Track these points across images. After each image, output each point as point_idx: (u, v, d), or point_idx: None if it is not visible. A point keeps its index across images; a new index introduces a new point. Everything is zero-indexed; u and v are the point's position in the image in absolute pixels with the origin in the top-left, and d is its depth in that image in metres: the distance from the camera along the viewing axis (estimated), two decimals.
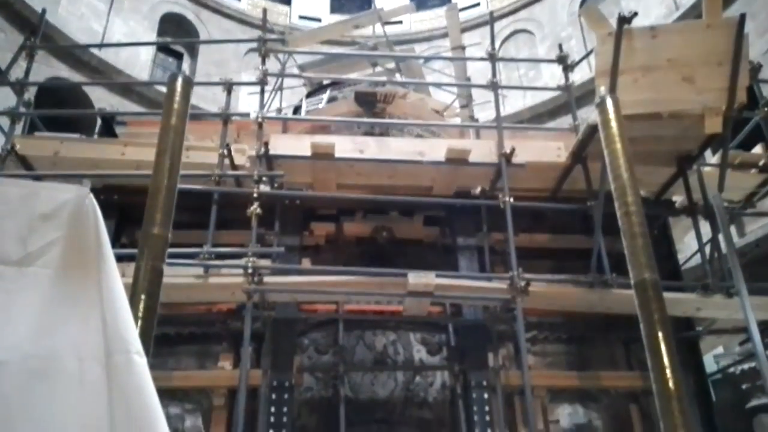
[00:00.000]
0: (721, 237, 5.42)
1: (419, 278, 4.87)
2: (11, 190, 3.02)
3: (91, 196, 2.98)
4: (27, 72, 5.96)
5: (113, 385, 2.76)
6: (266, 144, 5.27)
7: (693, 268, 6.87)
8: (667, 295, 4.12)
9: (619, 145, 4.17)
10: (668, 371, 3.67)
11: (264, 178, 5.15)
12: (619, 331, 5.89)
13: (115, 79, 17.71)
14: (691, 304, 5.34)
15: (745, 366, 8.46)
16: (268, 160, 5.33)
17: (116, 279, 2.98)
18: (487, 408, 5.43)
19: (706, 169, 5.75)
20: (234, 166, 5.36)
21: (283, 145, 5.41)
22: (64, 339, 2.89)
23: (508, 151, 5.36)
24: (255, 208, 4.90)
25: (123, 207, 5.58)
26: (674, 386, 3.65)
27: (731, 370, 8.60)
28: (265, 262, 4.98)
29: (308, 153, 5.29)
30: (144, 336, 3.07)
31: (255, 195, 4.98)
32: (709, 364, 7.57)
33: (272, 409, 5.10)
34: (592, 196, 5.35)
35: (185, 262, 4.77)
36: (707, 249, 5.57)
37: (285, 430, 5.06)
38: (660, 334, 3.78)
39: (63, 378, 2.81)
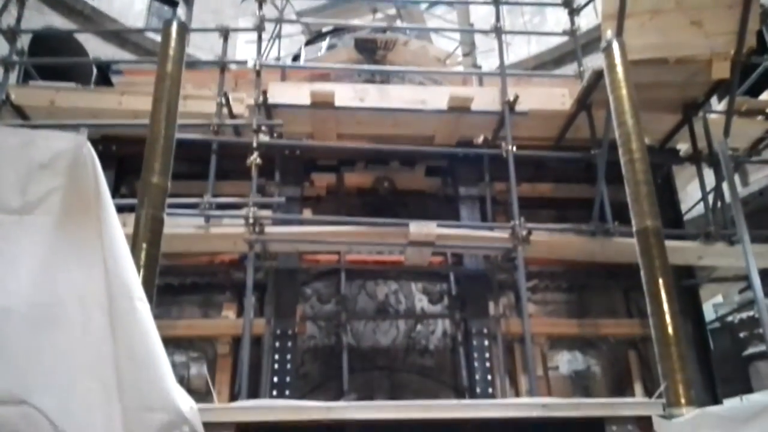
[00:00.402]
0: (724, 185, 5.38)
1: (420, 228, 4.87)
2: (7, 138, 2.98)
3: (89, 144, 2.94)
4: (18, 19, 5.80)
5: (117, 330, 2.79)
6: (264, 92, 5.17)
7: (695, 218, 6.85)
8: (668, 243, 4.12)
9: (624, 91, 4.09)
10: (668, 317, 3.71)
11: (263, 128, 5.08)
12: (619, 279, 5.93)
13: (108, 27, 17.33)
14: (692, 252, 5.35)
15: (744, 315, 8.57)
16: (266, 108, 5.24)
17: (117, 227, 2.97)
18: (487, 355, 5.51)
19: (712, 116, 5.66)
20: (232, 116, 5.28)
21: (282, 93, 5.32)
22: (67, 286, 2.90)
23: (511, 98, 5.27)
24: (255, 158, 4.84)
25: (122, 158, 5.54)
26: (673, 332, 3.69)
27: (730, 319, 8.72)
28: (266, 213, 4.96)
29: (307, 102, 5.20)
30: (146, 284, 3.09)
31: (254, 145, 4.92)
32: (709, 313, 7.65)
33: (276, 357, 5.18)
34: (596, 145, 5.28)
35: (186, 212, 4.76)
36: (710, 198, 5.54)
37: (289, 377, 5.16)
38: (660, 281, 3.80)
39: (67, 325, 2.83)
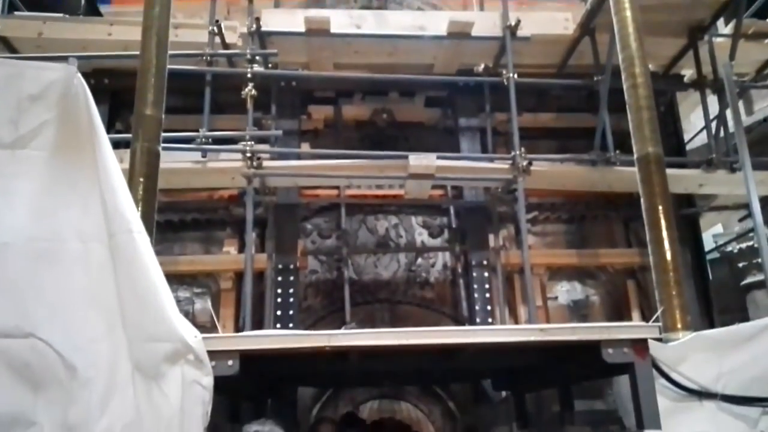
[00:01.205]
0: (728, 113, 5.28)
1: (420, 160, 4.82)
2: None
3: (79, 75, 2.86)
4: None
5: (118, 264, 2.80)
6: (258, 20, 4.99)
7: (697, 148, 6.77)
8: (669, 171, 4.09)
9: (628, 13, 3.96)
10: (666, 244, 3.73)
11: (257, 58, 4.94)
12: (619, 209, 5.94)
13: None
14: (693, 180, 5.32)
15: (743, 245, 8.61)
16: (260, 37, 5.07)
17: (112, 160, 2.93)
18: (487, 286, 5.58)
19: (718, 40, 5.49)
20: (225, 45, 5.11)
21: (276, 20, 5.13)
22: (65, 221, 2.89)
23: (513, 23, 5.10)
24: (250, 90, 4.73)
25: (115, 92, 5.42)
26: (671, 258, 3.72)
27: (729, 249, 8.75)
28: (263, 147, 4.90)
29: (302, 29, 5.03)
30: (146, 218, 3.07)
31: (249, 75, 4.80)
32: (708, 245, 7.68)
33: (278, 291, 5.25)
34: (599, 71, 5.16)
35: (182, 146, 4.69)
36: (713, 125, 5.45)
37: (292, 310, 5.24)
38: (660, 208, 3.80)
39: (68, 260, 2.84)
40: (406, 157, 4.82)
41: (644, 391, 2.77)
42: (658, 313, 3.29)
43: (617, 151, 5.07)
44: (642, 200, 3.87)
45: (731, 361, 3.06)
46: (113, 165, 2.90)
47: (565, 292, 5.96)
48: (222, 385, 2.73)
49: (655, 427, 2.72)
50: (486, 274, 5.59)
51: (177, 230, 5.50)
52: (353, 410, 6.05)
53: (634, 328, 2.96)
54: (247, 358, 2.78)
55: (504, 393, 4.93)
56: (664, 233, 3.74)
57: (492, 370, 4.47)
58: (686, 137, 6.67)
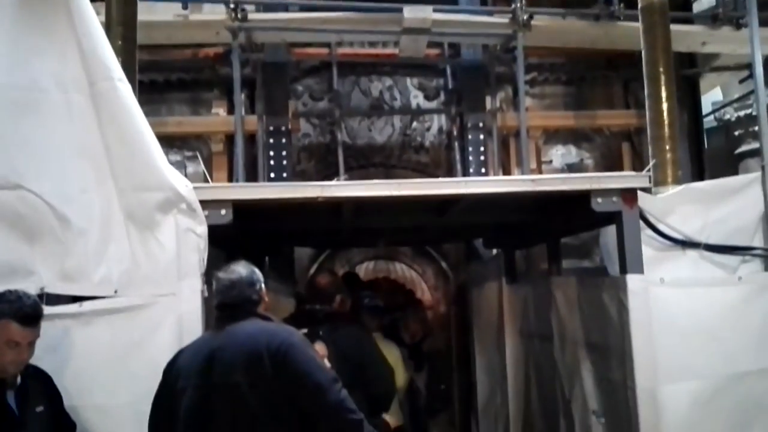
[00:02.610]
0: None
1: (415, 13, 4.57)
2: None
3: None
4: None
5: (101, 111, 2.72)
6: None
7: (703, 11, 6.45)
8: (673, 27, 3.93)
9: None
10: (664, 98, 3.66)
11: None
12: (619, 70, 5.78)
13: None
14: (697, 37, 5.13)
15: (741, 113, 8.51)
16: None
17: (87, 6, 2.77)
18: (482, 149, 5.56)
19: None
20: None
21: None
22: (42, 70, 2.78)
23: None
24: None
25: None
26: (668, 113, 3.66)
27: (726, 117, 8.66)
28: None
29: None
30: (127, 69, 2.95)
31: None
32: (706, 109, 7.57)
33: (271, 154, 5.21)
34: None
35: None
36: None
37: (285, 173, 5.23)
38: (661, 62, 3.69)
39: (49, 109, 2.76)
40: (401, 10, 4.56)
41: (630, 238, 2.83)
42: (650, 165, 3.28)
43: (621, 5, 4.82)
44: (643, 53, 3.75)
45: (717, 213, 3.12)
46: (89, 13, 2.75)
47: (560, 155, 5.96)
48: (217, 236, 2.77)
49: (638, 271, 2.81)
50: (481, 137, 5.54)
51: (163, 91, 5.34)
52: (351, 270, 6.29)
53: (623, 177, 2.97)
54: (241, 208, 2.79)
55: (495, 251, 5.07)
56: (663, 87, 3.66)
57: (483, 228, 4.56)
58: None
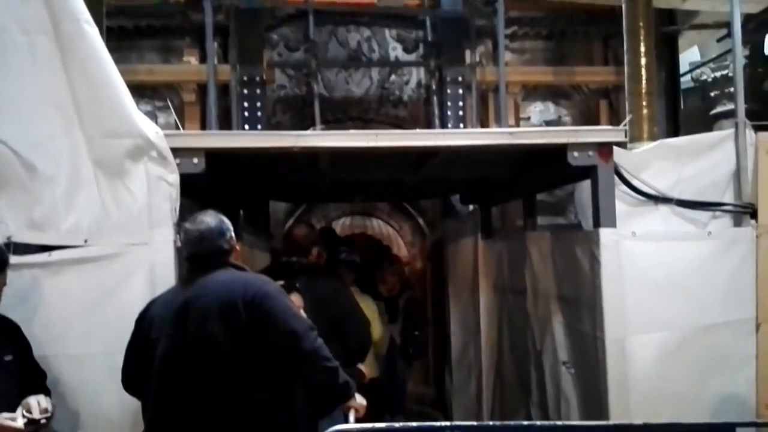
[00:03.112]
0: None
1: None
2: None
3: None
4: None
5: (66, 54, 2.60)
6: None
7: None
8: None
9: None
10: (642, 53, 3.65)
11: None
12: (600, 25, 5.72)
13: None
14: None
15: (718, 73, 8.55)
16: None
17: None
18: (461, 104, 5.51)
19: None
20: None
21: None
22: (2, 11, 2.65)
23: None
24: None
25: None
26: (645, 69, 3.67)
27: (703, 77, 8.69)
28: None
29: None
30: (94, 13, 2.80)
31: None
32: (684, 69, 7.58)
33: (245, 105, 5.09)
34: None
35: None
36: None
37: (260, 125, 5.13)
38: (641, 15, 3.68)
39: (12, 53, 2.65)
40: None
41: (603, 192, 2.83)
42: (626, 120, 3.28)
43: None
44: (623, 6, 3.73)
45: (690, 169, 3.13)
46: None
47: (538, 112, 5.94)
48: (189, 185, 2.71)
49: (610, 225, 2.83)
50: (460, 92, 5.48)
51: (132, 38, 5.15)
52: (327, 225, 6.26)
53: (600, 131, 2.96)
54: (214, 157, 2.72)
55: (471, 207, 5.09)
56: (642, 42, 3.66)
57: (460, 183, 4.55)
58: None
